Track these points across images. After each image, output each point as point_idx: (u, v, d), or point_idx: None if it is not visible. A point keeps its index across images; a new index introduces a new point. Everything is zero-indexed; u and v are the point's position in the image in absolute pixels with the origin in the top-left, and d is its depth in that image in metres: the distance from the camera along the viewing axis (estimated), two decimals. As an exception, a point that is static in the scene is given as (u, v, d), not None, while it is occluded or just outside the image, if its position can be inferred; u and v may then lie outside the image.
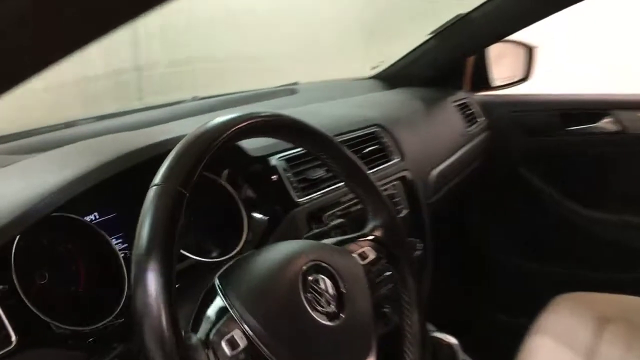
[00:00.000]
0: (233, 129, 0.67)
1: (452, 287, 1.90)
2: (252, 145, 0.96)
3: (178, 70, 2.14)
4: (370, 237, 0.83)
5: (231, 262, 0.69)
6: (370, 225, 0.84)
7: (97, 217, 0.88)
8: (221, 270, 0.68)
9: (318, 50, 2.21)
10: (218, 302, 0.63)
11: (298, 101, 1.49)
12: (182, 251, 0.85)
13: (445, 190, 1.50)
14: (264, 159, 1.01)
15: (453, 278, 1.92)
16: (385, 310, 1.11)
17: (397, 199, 1.24)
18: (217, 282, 0.65)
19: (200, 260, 0.82)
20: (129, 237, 0.90)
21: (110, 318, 0.75)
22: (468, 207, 1.94)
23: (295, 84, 1.75)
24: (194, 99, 1.58)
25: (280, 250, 0.70)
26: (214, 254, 0.91)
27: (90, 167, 0.77)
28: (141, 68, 2.04)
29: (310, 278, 0.67)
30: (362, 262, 0.78)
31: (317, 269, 0.69)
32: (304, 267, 0.67)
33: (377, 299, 0.85)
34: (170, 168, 0.58)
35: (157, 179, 0.58)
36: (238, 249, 0.93)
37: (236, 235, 0.94)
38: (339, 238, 0.81)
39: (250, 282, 0.65)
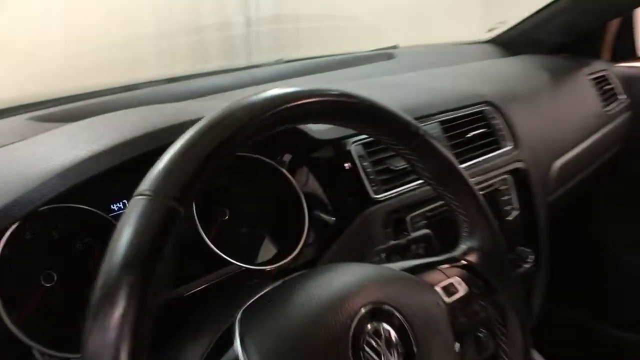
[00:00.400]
0: (278, 112, 0.47)
1: (568, 303, 1.60)
2: (319, 125, 0.76)
3: (280, 27, 2.00)
4: (462, 263, 0.61)
5: (262, 293, 0.51)
6: (463, 246, 0.62)
7: (124, 207, 0.73)
8: (245, 306, 0.50)
9: (425, 7, 1.93)
10: (231, 356, 0.45)
11: (395, 68, 1.29)
12: (220, 253, 0.69)
13: (569, 186, 1.21)
14: (335, 143, 0.80)
15: (569, 292, 1.61)
16: (480, 335, 0.88)
17: (505, 197, 0.99)
18: (236, 325, 0.47)
19: (242, 266, 0.64)
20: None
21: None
22: (596, 207, 1.61)
23: (394, 47, 1.52)
24: (278, 61, 1.41)
25: (328, 282, 0.51)
26: (262, 260, 0.74)
27: (103, 145, 0.61)
28: (251, 23, 1.92)
29: (368, 328, 0.47)
30: (447, 300, 0.56)
31: (379, 314, 0.49)
32: (360, 314, 0.47)
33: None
34: (166, 172, 0.40)
35: (145, 185, 0.40)
36: (294, 254, 0.75)
37: (293, 237, 0.76)
38: (418, 262, 0.60)
39: (280, 330, 0.46)
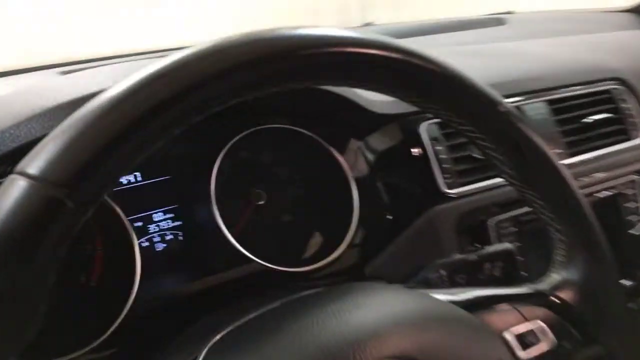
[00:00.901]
0: (276, 60, 0.31)
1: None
2: (379, 96, 0.60)
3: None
4: (552, 301, 0.42)
5: (242, 322, 0.36)
6: (555, 277, 0.43)
7: (140, 178, 0.61)
8: (217, 338, 0.36)
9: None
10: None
11: (505, 35, 1.08)
12: (245, 252, 0.55)
13: None
14: (401, 120, 0.63)
15: None
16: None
17: (630, 204, 0.76)
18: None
19: (271, 267, 0.58)
20: (185, 212, 0.62)
21: (94, 345, 0.49)
22: None
23: (509, 12, 1.30)
24: (369, 24, 1.27)
25: (343, 316, 0.35)
26: (295, 260, 0.60)
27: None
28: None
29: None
30: (520, 355, 0.39)
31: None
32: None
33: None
34: (60, 149, 0.26)
35: (28, 162, 0.26)
36: (335, 255, 0.60)
37: (337, 234, 0.61)
38: (485, 292, 0.42)
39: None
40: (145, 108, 0.27)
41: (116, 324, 0.51)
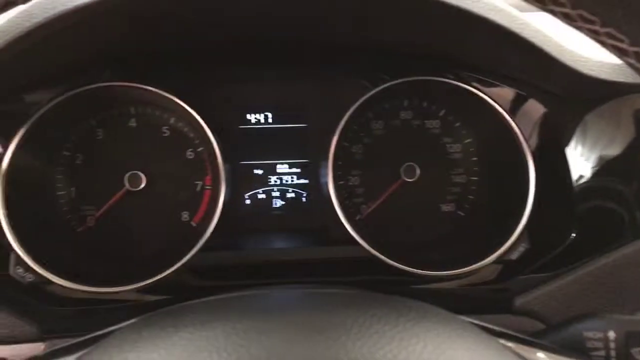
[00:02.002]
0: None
1: None
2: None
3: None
4: None
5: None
6: None
7: (271, 120, 0.54)
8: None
9: None
10: None
11: None
12: (361, 244, 0.45)
13: None
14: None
15: None
16: None
17: None
18: None
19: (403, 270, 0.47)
20: (314, 171, 0.53)
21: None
22: None
23: None
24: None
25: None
26: (428, 261, 0.46)
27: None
28: None
29: None
30: None
31: None
32: None
33: None
34: None
35: None
36: (483, 262, 0.44)
37: (496, 236, 0.45)
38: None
39: None
40: None
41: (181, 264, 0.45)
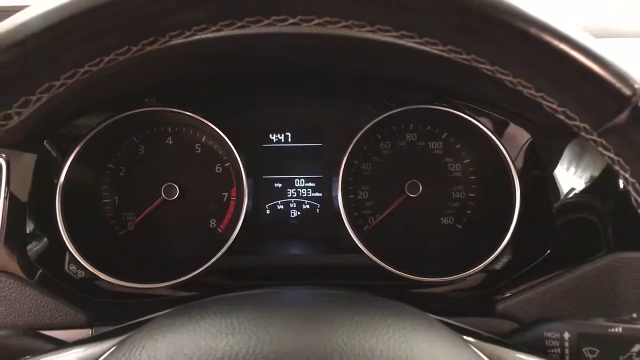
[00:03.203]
0: None
1: None
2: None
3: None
4: None
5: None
6: None
7: (291, 139, 0.60)
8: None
9: None
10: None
11: None
12: (366, 253, 0.51)
13: None
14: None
15: None
16: None
17: None
18: None
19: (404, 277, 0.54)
20: (327, 185, 0.59)
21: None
22: None
23: None
24: None
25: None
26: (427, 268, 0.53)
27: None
28: None
29: None
30: None
31: None
32: None
33: None
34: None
35: None
36: (471, 271, 0.50)
37: (484, 248, 0.51)
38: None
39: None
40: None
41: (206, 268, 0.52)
